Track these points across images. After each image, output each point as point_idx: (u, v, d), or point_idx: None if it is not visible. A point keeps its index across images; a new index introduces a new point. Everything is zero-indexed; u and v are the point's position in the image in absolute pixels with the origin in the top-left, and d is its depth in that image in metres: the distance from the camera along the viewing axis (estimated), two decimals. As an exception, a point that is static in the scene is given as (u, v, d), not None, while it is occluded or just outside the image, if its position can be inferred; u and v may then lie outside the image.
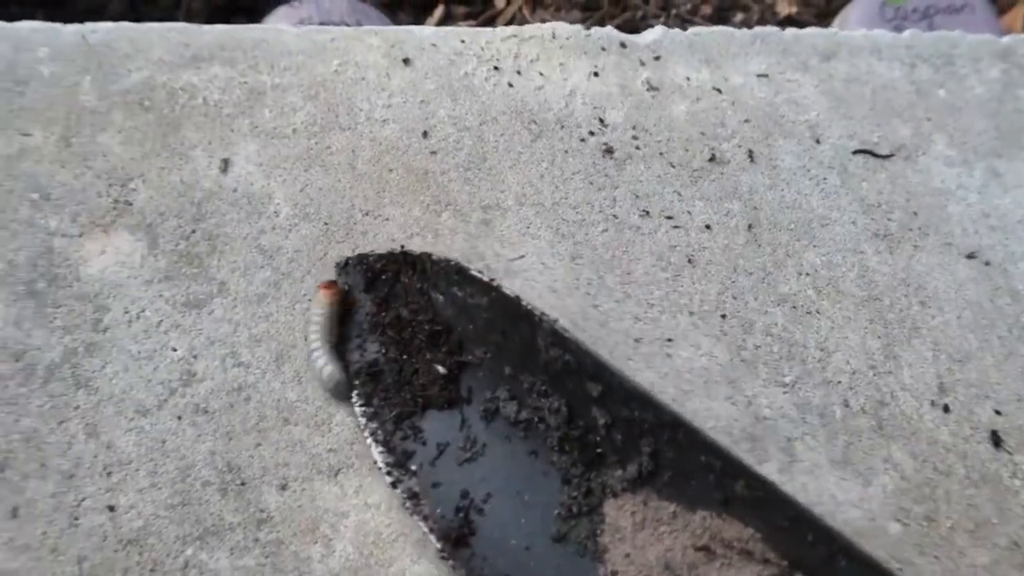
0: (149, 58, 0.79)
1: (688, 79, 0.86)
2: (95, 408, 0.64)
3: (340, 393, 0.65)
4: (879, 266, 0.78)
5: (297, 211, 0.74)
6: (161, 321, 0.68)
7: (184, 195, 0.73)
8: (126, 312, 0.68)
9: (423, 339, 0.67)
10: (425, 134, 0.79)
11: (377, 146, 0.78)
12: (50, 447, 0.62)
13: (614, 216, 0.77)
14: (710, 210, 0.78)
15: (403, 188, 0.76)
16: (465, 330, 0.67)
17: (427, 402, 0.65)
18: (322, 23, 1.08)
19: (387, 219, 0.74)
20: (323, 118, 0.79)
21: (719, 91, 0.85)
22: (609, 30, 0.88)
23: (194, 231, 0.72)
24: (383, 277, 0.70)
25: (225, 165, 0.75)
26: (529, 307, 0.67)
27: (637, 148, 0.81)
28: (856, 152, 0.84)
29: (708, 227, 0.77)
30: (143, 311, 0.68)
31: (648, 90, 0.84)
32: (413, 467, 0.63)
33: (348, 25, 1.09)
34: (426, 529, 0.61)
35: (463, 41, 0.85)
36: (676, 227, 0.77)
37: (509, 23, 1.23)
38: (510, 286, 0.71)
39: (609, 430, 0.63)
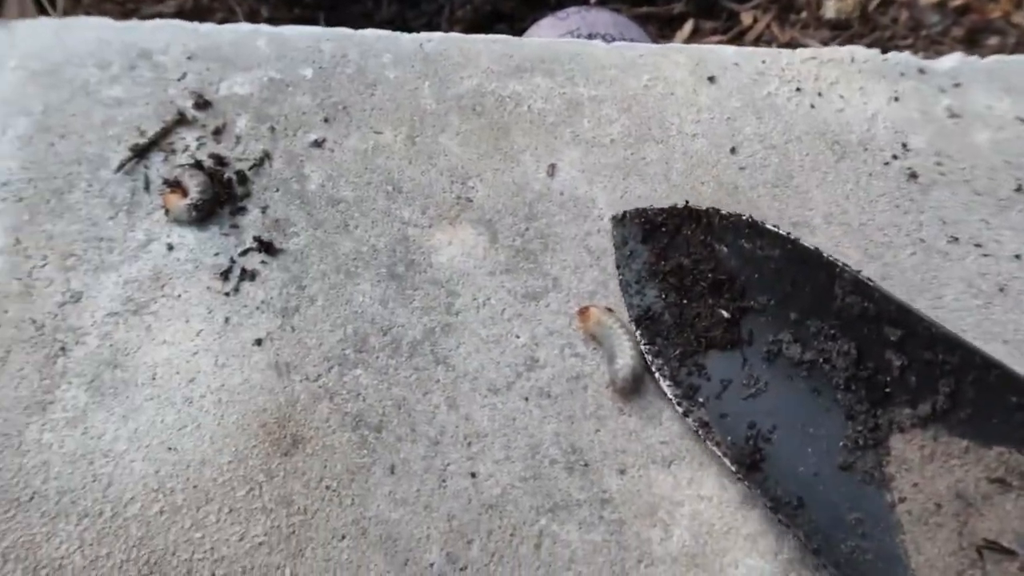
0: (478, 66, 0.87)
1: (989, 107, 0.86)
2: (453, 383, 0.71)
3: (638, 386, 0.71)
4: None
5: (619, 216, 0.79)
6: (504, 309, 0.75)
7: (517, 195, 0.80)
8: (474, 299, 0.75)
9: (705, 286, 0.72)
10: (733, 150, 0.83)
11: (689, 159, 0.82)
12: (418, 415, 0.70)
13: (921, 240, 0.79)
14: (1018, 240, 0.79)
15: (715, 201, 0.80)
16: (750, 279, 0.72)
17: (709, 343, 0.71)
18: (589, 35, 1.14)
19: (702, 229, 0.79)
20: (637, 130, 0.84)
21: (1022, 121, 0.85)
22: (907, 56, 0.89)
23: (527, 229, 0.78)
24: (662, 229, 0.75)
25: (552, 170, 0.81)
26: (830, 258, 0.71)
27: (941, 174, 0.82)
28: None
29: (1018, 257, 0.78)
30: (488, 299, 0.75)
31: (949, 117, 0.85)
32: (700, 399, 0.69)
33: (612, 36, 1.14)
34: (719, 453, 0.67)
35: (764, 61, 0.88)
36: (985, 255, 0.78)
37: (757, 39, 1.25)
38: (821, 301, 0.74)
39: (903, 372, 0.67)
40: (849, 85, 0.87)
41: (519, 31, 1.23)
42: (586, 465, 0.68)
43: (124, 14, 1.20)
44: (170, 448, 0.67)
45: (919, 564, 0.61)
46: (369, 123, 0.83)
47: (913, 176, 0.82)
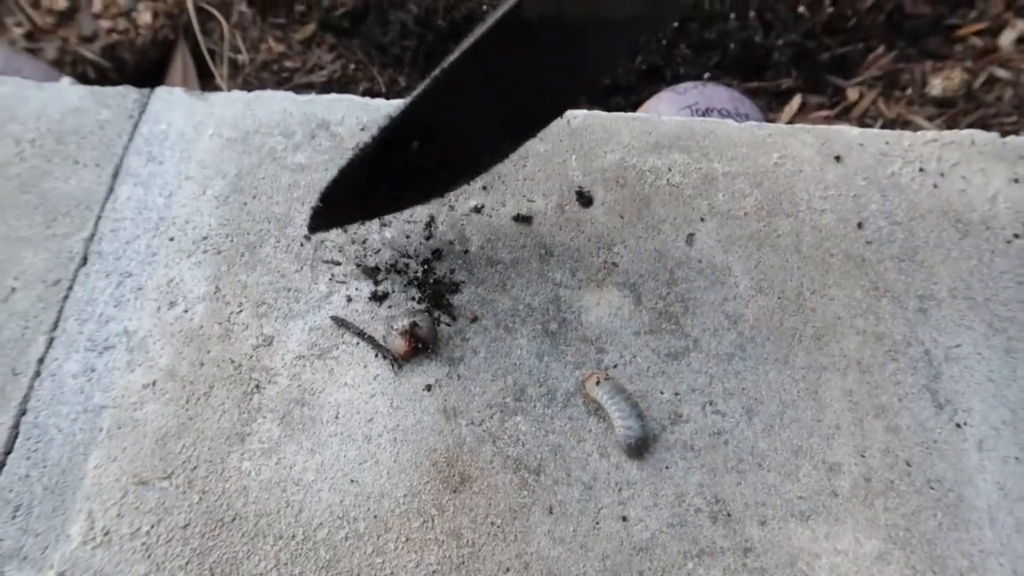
0: (620, 142, 0.95)
1: (1109, 191, 0.90)
2: (604, 433, 0.78)
3: (641, 451, 0.76)
4: None
5: (753, 284, 0.86)
6: (649, 367, 0.81)
7: (658, 261, 0.87)
8: (621, 356, 0.82)
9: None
10: (860, 225, 0.89)
11: (818, 232, 0.89)
12: (572, 460, 0.77)
13: (1045, 316, 0.83)
14: None
15: (844, 272, 0.86)
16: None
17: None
18: (707, 109, 1.22)
19: (832, 299, 0.85)
20: (769, 204, 0.91)
21: None
22: (1025, 140, 0.95)
23: (669, 293, 0.85)
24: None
25: (690, 239, 0.88)
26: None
27: (1064, 254, 0.86)
28: None
29: None
30: (634, 357, 0.82)
31: (1070, 199, 0.90)
32: None
33: (728, 111, 1.22)
34: None
35: (887, 143, 0.95)
36: (1109, 333, 0.82)
37: (863, 115, 1.31)
38: (949, 372, 0.79)
39: None
40: (970, 167, 0.93)
41: (635, 104, 1.32)
42: (729, 515, 0.74)
43: (279, 83, 1.33)
44: (352, 480, 0.75)
45: None
46: (523, 192, 0.92)
47: (1036, 255, 0.87)
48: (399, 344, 0.79)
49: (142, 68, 1.39)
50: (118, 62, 1.38)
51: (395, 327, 0.79)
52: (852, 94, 1.33)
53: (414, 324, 0.79)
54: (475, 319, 0.83)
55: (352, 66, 1.34)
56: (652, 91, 1.32)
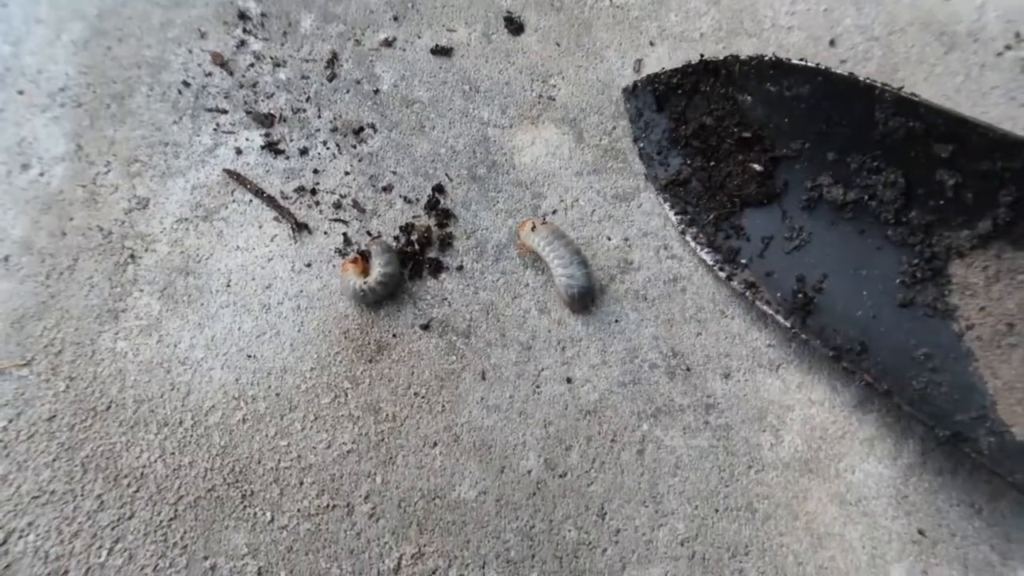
0: (553, -39, 0.81)
1: (1110, -7, 0.79)
2: (543, 287, 0.67)
3: (585, 302, 0.66)
4: None
5: (711, 113, 0.74)
6: (594, 211, 0.70)
7: (602, 93, 0.75)
8: (561, 201, 0.70)
9: (732, 143, 0.68)
10: (832, 43, 0.77)
11: (785, 52, 0.77)
12: (507, 319, 0.66)
13: (1041, 133, 0.73)
14: None
15: (814, 95, 0.74)
16: (780, 126, 0.66)
17: (744, 201, 0.67)
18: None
19: (801, 125, 0.73)
20: (728, 23, 0.78)
21: None
22: (1017, -60, 0.82)
23: (615, 127, 0.73)
24: (678, 92, 0.70)
25: (639, 65, 0.76)
26: (868, 81, 0.62)
27: (1060, 64, 0.76)
28: None
29: None
30: (577, 200, 0.70)
31: (1067, 4, 0.78)
32: (743, 261, 0.66)
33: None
34: (771, 312, 0.63)
35: (861, -51, 0.82)
36: (1112, 148, 0.72)
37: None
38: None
39: (958, 191, 0.60)
40: (955, -28, 0.81)
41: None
42: (688, 369, 0.64)
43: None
44: (249, 356, 0.64)
45: (997, 388, 0.58)
46: (441, 20, 0.78)
47: (1029, 66, 0.76)
48: (346, 267, 0.66)
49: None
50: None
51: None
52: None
53: (366, 250, 0.67)
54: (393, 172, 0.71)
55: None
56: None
